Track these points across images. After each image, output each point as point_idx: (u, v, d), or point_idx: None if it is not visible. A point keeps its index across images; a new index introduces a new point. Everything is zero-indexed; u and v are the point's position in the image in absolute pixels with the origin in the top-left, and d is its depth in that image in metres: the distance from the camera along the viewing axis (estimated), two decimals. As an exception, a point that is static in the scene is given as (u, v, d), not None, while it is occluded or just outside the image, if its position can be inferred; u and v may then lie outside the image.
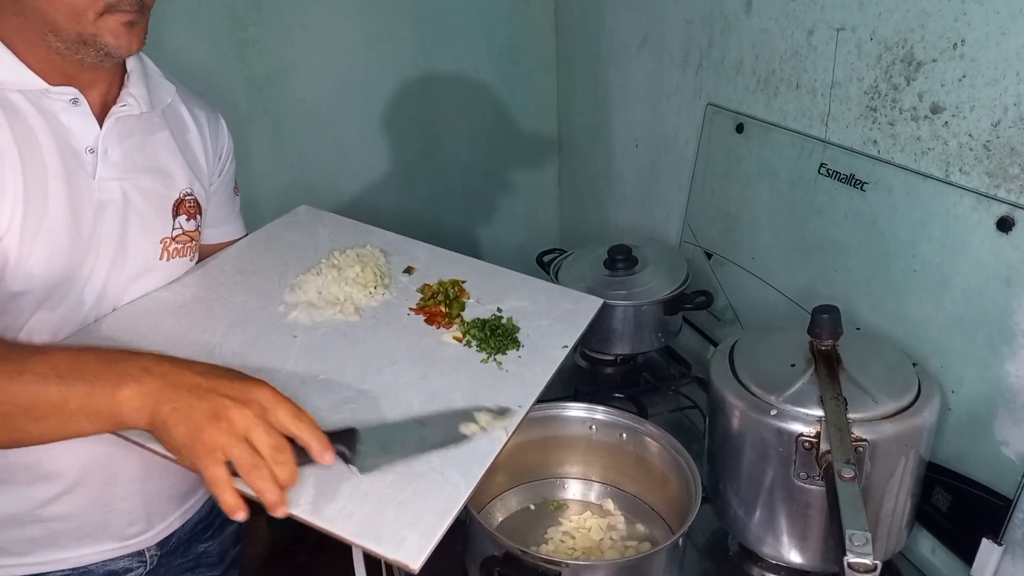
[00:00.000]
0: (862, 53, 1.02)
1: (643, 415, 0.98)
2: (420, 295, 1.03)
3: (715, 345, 1.23)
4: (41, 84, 0.83)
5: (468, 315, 0.99)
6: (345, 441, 0.72)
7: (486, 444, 0.78)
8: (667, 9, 1.47)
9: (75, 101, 0.86)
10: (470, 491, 0.72)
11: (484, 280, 1.06)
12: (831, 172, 1.08)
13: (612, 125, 1.80)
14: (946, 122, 0.91)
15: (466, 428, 0.80)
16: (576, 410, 0.98)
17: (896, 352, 0.91)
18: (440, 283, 1.04)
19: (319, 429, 0.69)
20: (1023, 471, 0.85)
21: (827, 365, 0.84)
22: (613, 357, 1.38)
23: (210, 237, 1.08)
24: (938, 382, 0.89)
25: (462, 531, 0.88)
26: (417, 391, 0.84)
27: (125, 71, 0.93)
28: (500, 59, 2.03)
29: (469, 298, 1.03)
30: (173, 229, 0.97)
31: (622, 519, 0.98)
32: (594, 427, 0.98)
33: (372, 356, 0.90)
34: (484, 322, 0.96)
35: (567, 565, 0.74)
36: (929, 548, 0.96)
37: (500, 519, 0.98)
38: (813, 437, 0.79)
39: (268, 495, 0.65)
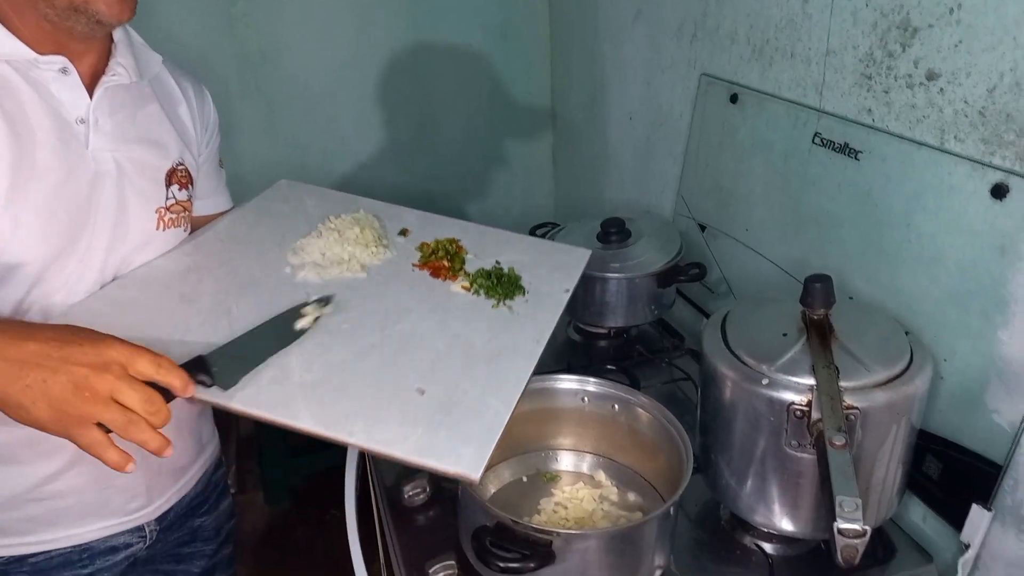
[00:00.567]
0: (857, 20, 1.01)
1: (635, 387, 0.98)
2: (420, 253, 1.05)
3: (708, 317, 1.23)
4: (30, 54, 0.82)
5: (469, 268, 1.02)
6: (199, 369, 0.75)
7: (518, 368, 0.82)
8: (661, -21, 1.45)
9: (64, 71, 0.85)
10: (510, 411, 0.76)
11: (477, 238, 1.10)
12: (825, 141, 1.08)
13: (607, 99, 1.78)
14: (941, 89, 0.90)
15: (300, 323, 0.86)
16: (568, 382, 0.98)
17: (889, 321, 0.91)
18: (437, 241, 1.07)
19: (178, 368, 0.71)
20: (1014, 438, 0.85)
21: (819, 334, 0.84)
22: (606, 330, 1.38)
23: (199, 209, 1.08)
24: (931, 351, 0.89)
25: (454, 504, 0.89)
26: (439, 334, 0.88)
27: (112, 42, 0.92)
28: (494, 34, 2.02)
29: (467, 254, 1.06)
30: (167, 199, 0.97)
31: (614, 490, 0.98)
32: (586, 399, 0.98)
33: (388, 307, 0.93)
34: (488, 272, 1.00)
35: (558, 535, 0.74)
36: (920, 515, 0.97)
37: (492, 491, 0.98)
38: (804, 406, 0.79)
39: (151, 444, 0.68)
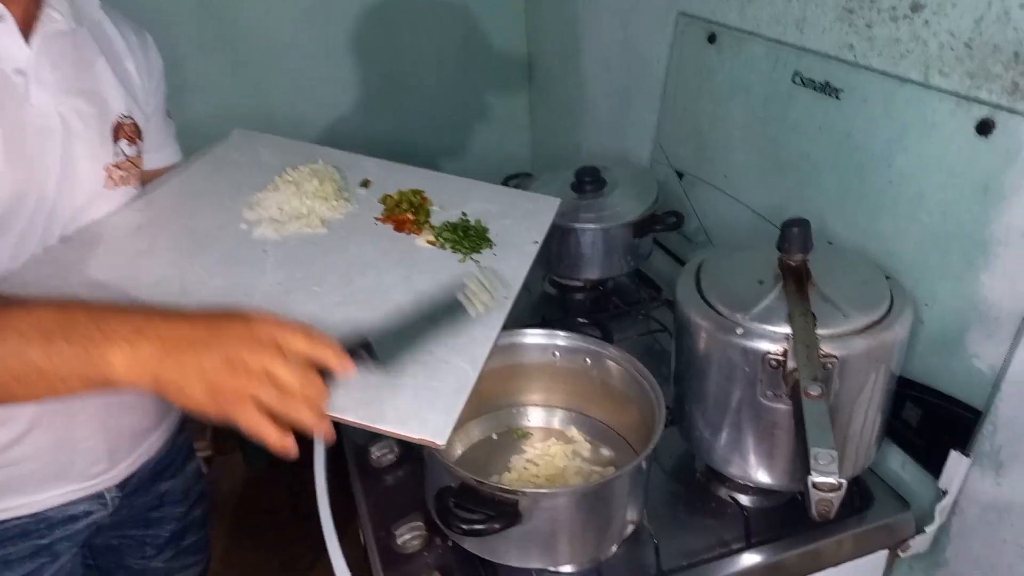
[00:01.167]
0: (839, -51, 0.95)
1: (608, 340, 0.95)
2: (383, 205, 1.02)
3: (685, 267, 1.20)
4: None
5: (434, 221, 0.99)
6: (361, 347, 0.72)
7: (482, 329, 0.79)
8: (636, -88, 1.38)
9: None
10: (478, 372, 0.74)
11: (441, 188, 1.06)
12: (805, 80, 1.03)
13: (581, 44, 1.72)
14: (926, 20, 0.85)
15: (462, 296, 0.81)
16: (538, 337, 0.94)
17: (869, 265, 0.88)
18: (401, 192, 1.04)
19: (335, 343, 0.68)
20: (994, 382, 0.83)
21: (796, 281, 0.81)
22: (582, 283, 1.35)
23: (146, 163, 1.02)
24: (911, 295, 0.86)
25: (423, 464, 0.86)
26: (404, 291, 0.85)
27: None
28: (466, -23, 1.93)
29: (432, 205, 1.03)
30: (115, 155, 0.92)
31: (587, 445, 0.95)
32: (557, 353, 0.95)
33: (350, 263, 0.89)
34: (454, 225, 0.97)
35: (524, 494, 0.71)
36: (898, 462, 0.95)
37: (461, 451, 0.96)
38: (780, 355, 0.76)
39: (309, 423, 0.66)
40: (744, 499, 0.92)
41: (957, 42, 0.82)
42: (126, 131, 0.94)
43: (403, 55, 1.96)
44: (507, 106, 2.12)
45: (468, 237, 0.95)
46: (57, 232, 0.87)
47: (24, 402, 0.70)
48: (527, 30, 2.03)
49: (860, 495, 0.91)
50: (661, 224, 1.27)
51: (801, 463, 0.63)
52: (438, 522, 0.71)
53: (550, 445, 0.95)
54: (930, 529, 0.88)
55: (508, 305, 0.85)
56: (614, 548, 0.82)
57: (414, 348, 0.75)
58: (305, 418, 0.66)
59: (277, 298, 0.82)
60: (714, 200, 1.29)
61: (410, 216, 1.00)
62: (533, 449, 0.95)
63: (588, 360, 0.94)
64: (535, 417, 1.00)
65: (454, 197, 1.05)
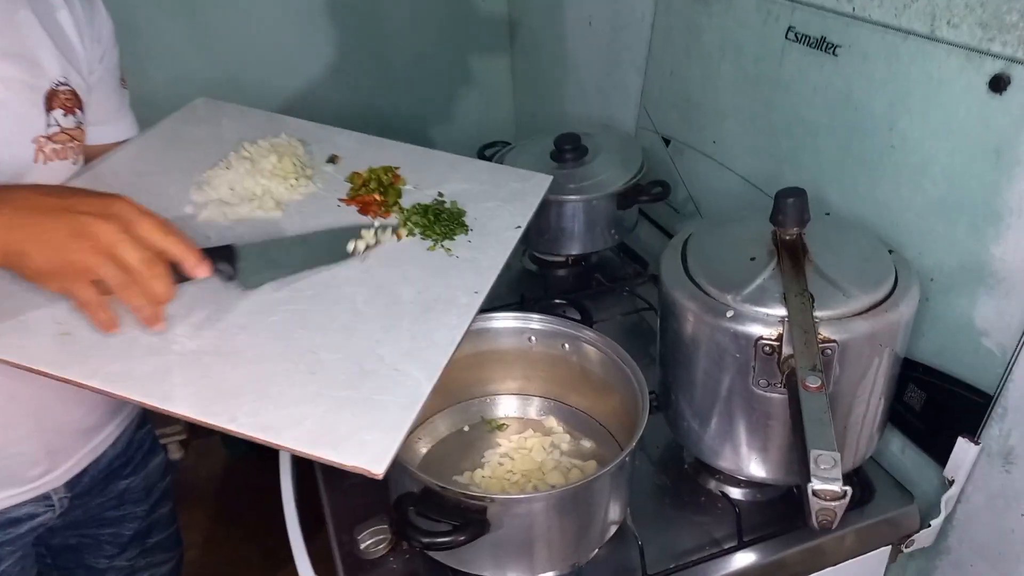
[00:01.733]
0: None
1: (587, 321, 0.87)
2: (350, 184, 0.93)
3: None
4: None
5: (406, 202, 0.91)
6: (223, 257, 0.69)
7: (444, 332, 0.73)
8: None
9: None
10: (433, 383, 0.67)
11: (419, 165, 0.98)
12: (800, 36, 0.95)
13: (563, 2, 1.62)
14: (933, -35, 0.77)
15: (353, 244, 0.80)
16: (510, 320, 0.87)
17: (870, 239, 0.80)
18: (371, 170, 0.95)
19: (190, 241, 0.66)
20: (1005, 364, 0.77)
21: (792, 257, 0.73)
22: (564, 258, 1.27)
23: (96, 137, 0.94)
24: (916, 271, 0.79)
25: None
26: (360, 285, 0.78)
27: None
28: (444, -63, 1.83)
29: (405, 184, 0.94)
30: (48, 126, 0.83)
31: (566, 436, 0.89)
32: (533, 338, 0.87)
33: None
34: (426, 207, 0.89)
35: (493, 500, 0.65)
36: (900, 450, 0.89)
37: (426, 449, 0.88)
38: (774, 340, 0.69)
39: (144, 311, 0.65)
40: (735, 493, 0.85)
41: (968, -12, 0.74)
42: (61, 99, 0.84)
43: (381, 19, 1.86)
44: (489, 71, 2.03)
45: (440, 222, 0.87)
46: None
47: None
48: (509, -13, 1.93)
49: (860, 486, 0.85)
50: (647, 194, 1.20)
51: (799, 466, 0.57)
52: (397, 534, 0.65)
53: (527, 437, 0.88)
54: (936, 522, 0.82)
55: (477, 304, 0.77)
56: (595, 551, 0.76)
57: (282, 274, 0.72)
58: (142, 305, 0.64)
59: (212, 293, 0.74)
60: (703, 168, 1.21)
61: (377, 197, 0.91)
62: (508, 442, 0.88)
63: (566, 345, 0.86)
64: (510, 407, 0.93)
65: (433, 175, 0.96)
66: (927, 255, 0.83)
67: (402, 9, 1.86)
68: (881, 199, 0.88)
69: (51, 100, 0.83)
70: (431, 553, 0.73)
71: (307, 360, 0.69)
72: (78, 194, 0.66)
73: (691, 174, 1.25)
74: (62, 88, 0.84)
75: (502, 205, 0.92)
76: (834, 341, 0.68)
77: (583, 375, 0.87)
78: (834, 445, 0.55)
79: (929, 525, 0.82)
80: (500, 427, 0.91)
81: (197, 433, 2.11)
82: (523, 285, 1.24)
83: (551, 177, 0.99)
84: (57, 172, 0.86)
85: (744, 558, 0.79)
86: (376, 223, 0.84)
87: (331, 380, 0.67)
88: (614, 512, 0.75)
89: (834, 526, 0.53)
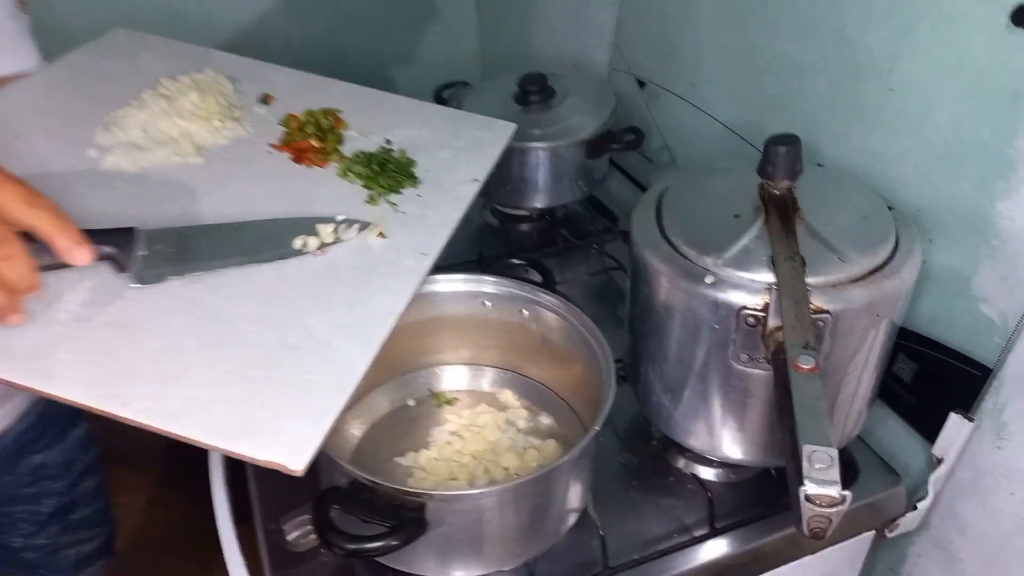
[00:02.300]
0: None
1: (549, 283, 0.78)
2: (284, 128, 0.83)
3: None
4: None
5: (348, 150, 0.82)
6: (114, 241, 0.56)
7: (391, 294, 0.64)
8: None
9: None
10: (369, 361, 0.59)
11: (365, 108, 0.88)
12: (792, -37, 0.84)
13: (532, -72, 1.50)
14: None
15: (301, 242, 0.67)
16: (460, 283, 0.77)
17: (868, 194, 0.71)
18: (309, 112, 0.85)
19: (65, 218, 0.53)
20: (1007, 334, 0.69)
21: (781, 215, 0.64)
22: (527, 212, 1.17)
23: None
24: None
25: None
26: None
27: None
28: None
29: (348, 129, 0.85)
30: None
31: (523, 412, 0.80)
32: (488, 303, 0.78)
33: (224, 207, 0.71)
34: (370, 156, 0.79)
35: (431, 496, 0.55)
36: (887, 426, 0.82)
37: (362, 430, 0.78)
38: (760, 310, 0.60)
39: None
40: (707, 473, 0.78)
41: (992, -100, 0.64)
42: None
43: (334, -55, 1.71)
44: (453, 5, 1.89)
45: (386, 172, 0.77)
46: None
47: None
48: (472, -86, 1.79)
49: (844, 467, 0.77)
50: (619, 142, 1.09)
51: (789, 462, 0.48)
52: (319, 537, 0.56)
53: (479, 413, 0.79)
54: (923, 505, 0.75)
55: (424, 268, 0.68)
56: (551, 544, 0.67)
57: (193, 269, 0.61)
58: None
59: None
60: (680, 114, 1.11)
61: (314, 143, 0.81)
62: (459, 418, 0.79)
63: (524, 311, 0.77)
64: (460, 379, 0.84)
65: (381, 119, 0.86)
66: (926, 212, 0.75)
67: (356, -69, 1.72)
68: (876, 149, 0.80)
69: None
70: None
71: (220, 333, 0.59)
72: None
73: (667, 120, 1.15)
74: None
75: (458, 155, 0.82)
76: (827, 312, 0.59)
77: (543, 344, 0.77)
78: (830, 439, 0.47)
79: (916, 507, 0.75)
80: (449, 402, 0.82)
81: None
82: (482, 242, 1.14)
83: (514, 125, 0.89)
84: None
85: (716, 547, 0.72)
86: (340, 218, 0.71)
87: (247, 357, 0.58)
88: (574, 500, 0.67)
89: (828, 535, 0.45)
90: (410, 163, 0.80)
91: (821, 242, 0.63)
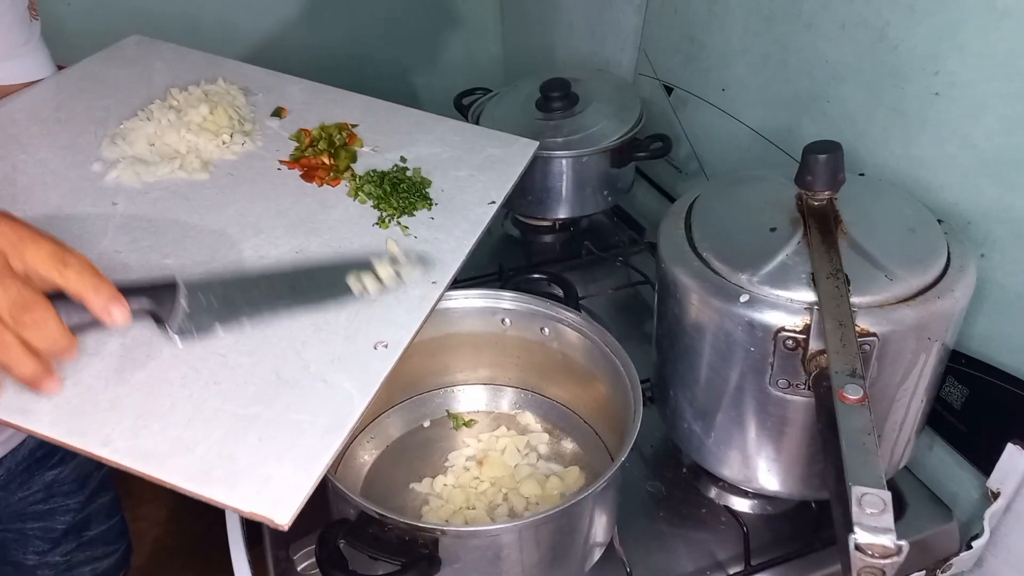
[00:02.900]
0: None
1: (571, 299, 0.74)
2: (296, 144, 0.81)
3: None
4: None
5: (361, 167, 0.78)
6: (154, 295, 0.51)
7: (396, 326, 0.60)
8: None
9: None
10: (367, 401, 0.54)
11: (382, 122, 0.85)
12: (828, -40, 0.80)
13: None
14: None
15: (357, 282, 0.61)
16: (477, 299, 0.73)
17: (915, 205, 0.66)
18: (322, 127, 0.83)
19: (98, 274, 0.49)
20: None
21: (822, 228, 0.59)
22: (550, 223, 1.13)
23: None
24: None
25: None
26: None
27: None
28: None
29: (362, 146, 0.82)
30: None
31: (544, 436, 0.75)
32: (507, 320, 0.74)
33: (227, 226, 0.68)
34: (383, 174, 0.76)
35: (444, 532, 0.52)
36: (937, 455, 0.76)
37: (373, 456, 0.74)
38: (799, 332, 0.56)
39: (19, 368, 0.48)
40: (741, 504, 0.73)
41: None
42: None
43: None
44: (476, 11, 1.86)
45: (398, 192, 0.74)
46: None
47: None
48: (496, -81, 1.76)
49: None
50: (645, 150, 1.05)
51: (836, 505, 0.44)
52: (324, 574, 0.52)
53: (498, 437, 0.75)
54: (978, 544, 0.69)
55: (433, 297, 0.64)
56: (575, 581, 0.63)
57: (240, 317, 0.55)
58: (14, 361, 0.47)
59: (108, 273, 0.61)
60: (710, 120, 1.06)
61: (325, 160, 0.78)
62: (477, 442, 0.75)
63: (545, 329, 0.73)
64: (478, 400, 0.80)
65: (397, 135, 0.83)
66: (976, 224, 0.70)
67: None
68: (919, 156, 0.75)
69: None
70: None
71: (210, 365, 0.56)
72: None
73: (696, 127, 1.11)
74: None
75: (475, 175, 0.79)
76: (874, 335, 0.55)
77: (564, 364, 0.73)
78: (882, 480, 0.42)
79: (970, 546, 0.70)
80: (467, 424, 0.78)
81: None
82: (502, 254, 1.10)
83: (536, 143, 0.85)
84: None
85: (752, 585, 0.67)
86: (397, 251, 0.66)
87: (237, 392, 0.54)
88: (599, 534, 0.63)
89: (882, 590, 0.41)
90: (424, 183, 0.77)
91: (866, 258, 0.58)
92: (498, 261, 1.05)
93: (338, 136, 0.82)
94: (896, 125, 0.78)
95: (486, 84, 1.33)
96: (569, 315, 0.71)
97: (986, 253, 0.70)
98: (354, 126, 0.84)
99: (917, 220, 0.64)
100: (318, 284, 0.60)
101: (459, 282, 0.69)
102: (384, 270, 0.62)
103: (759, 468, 0.66)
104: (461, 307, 0.73)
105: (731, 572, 0.67)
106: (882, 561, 0.39)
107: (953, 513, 0.73)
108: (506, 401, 0.80)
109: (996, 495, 0.69)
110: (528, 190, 1.06)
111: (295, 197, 0.74)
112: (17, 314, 0.47)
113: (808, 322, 0.56)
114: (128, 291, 0.49)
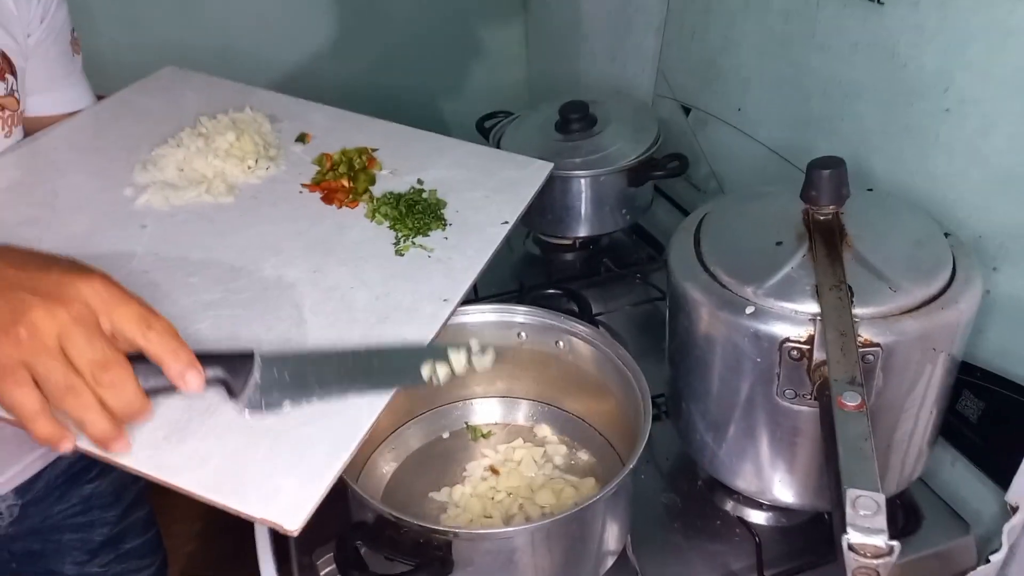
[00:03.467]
0: None
1: (586, 314, 0.76)
2: (317, 168, 0.83)
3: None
4: None
5: (379, 190, 0.81)
6: (229, 365, 0.52)
7: (407, 342, 0.62)
8: None
9: None
10: (376, 414, 0.56)
11: (401, 146, 0.87)
12: (839, -17, 0.81)
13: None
14: None
15: (429, 370, 0.59)
16: (492, 313, 0.75)
17: (921, 219, 0.67)
18: (343, 151, 0.85)
19: (179, 340, 0.51)
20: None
21: (826, 241, 0.61)
22: (570, 241, 1.15)
23: (39, 107, 0.85)
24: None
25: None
26: (309, 287, 0.67)
27: None
28: None
29: (381, 169, 0.84)
30: None
31: (561, 447, 0.77)
32: (523, 334, 0.76)
33: (248, 246, 0.71)
34: (399, 196, 0.78)
35: (457, 535, 0.54)
36: (953, 469, 0.76)
37: (392, 466, 0.77)
38: (804, 343, 0.57)
39: (92, 426, 0.49)
40: (755, 516, 0.74)
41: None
42: None
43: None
44: (501, 38, 1.90)
45: (413, 214, 0.76)
46: None
47: None
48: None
49: (905, 513, 0.73)
50: (663, 169, 1.07)
51: (832, 507, 0.45)
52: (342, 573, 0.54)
53: (515, 448, 0.77)
54: (996, 558, 0.69)
55: (444, 314, 0.65)
56: (588, 589, 0.64)
57: (310, 396, 0.55)
58: (89, 419, 0.48)
59: (135, 291, 0.64)
60: (727, 139, 1.08)
61: (344, 183, 0.81)
62: (495, 453, 0.77)
63: (560, 342, 0.75)
64: (495, 412, 0.82)
65: (415, 159, 0.85)
66: (988, 238, 0.70)
67: (407, -28, 1.75)
68: (932, 172, 0.76)
69: None
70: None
71: None
72: (45, 267, 0.51)
73: (713, 146, 1.12)
74: None
75: (490, 196, 0.80)
76: (877, 345, 0.55)
77: (579, 377, 0.75)
78: (877, 483, 0.43)
79: (988, 560, 0.69)
80: (485, 435, 0.80)
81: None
82: (523, 271, 1.12)
83: (551, 164, 0.87)
84: None
85: (765, 596, 0.67)
86: (474, 344, 0.62)
87: (256, 415, 0.55)
88: (611, 541, 0.64)
89: (877, 590, 0.42)
90: (439, 204, 0.79)
91: (870, 270, 0.59)
92: (519, 279, 1.07)
93: (358, 160, 0.84)
94: (908, 142, 0.79)
95: (510, 107, 1.36)
96: (582, 329, 0.72)
97: (998, 267, 0.70)
98: (374, 150, 0.86)
99: (923, 233, 0.65)
100: (392, 368, 0.60)
101: (481, 299, 0.71)
102: (458, 360, 0.61)
103: (772, 480, 0.67)
104: (478, 321, 0.75)
105: (744, 583, 0.68)
106: (875, 561, 0.40)
107: (971, 527, 0.73)
108: (522, 414, 0.81)
109: (1015, 509, 0.69)
110: (548, 209, 1.08)
111: (314, 219, 0.76)
112: (98, 373, 0.48)
113: (812, 333, 0.57)
114: (205, 358, 0.51)
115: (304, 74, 1.74)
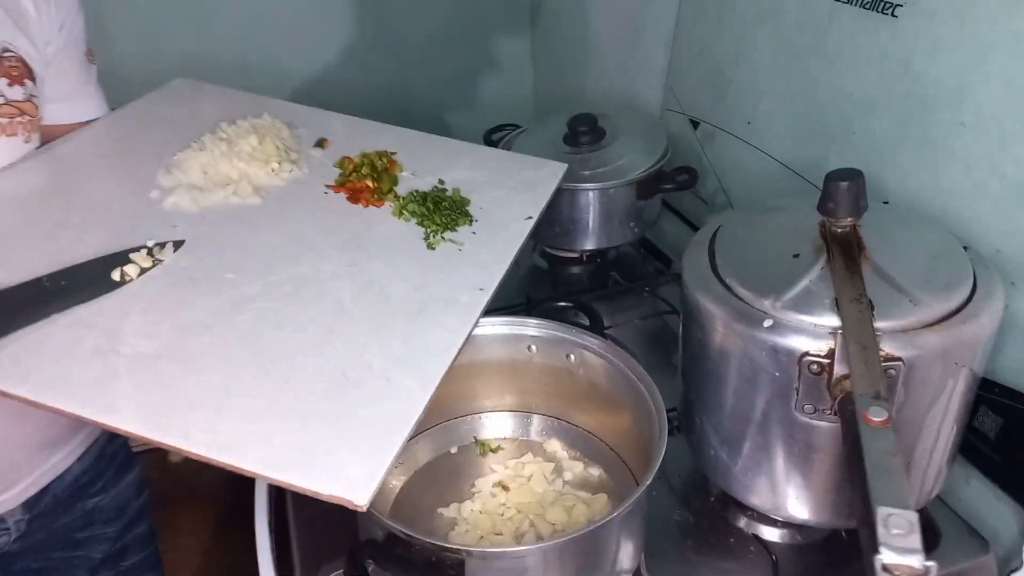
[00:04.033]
0: None
1: (596, 327, 0.75)
2: (339, 170, 0.84)
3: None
4: None
5: (402, 190, 0.82)
6: None
7: (449, 329, 0.64)
8: None
9: None
10: (429, 395, 0.58)
11: (418, 151, 0.89)
12: (852, -5, 0.81)
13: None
14: None
15: (119, 271, 0.66)
16: (503, 326, 0.74)
17: (940, 232, 0.66)
18: (364, 155, 0.86)
19: None
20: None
21: (845, 254, 0.60)
22: (577, 254, 1.14)
23: (57, 115, 0.85)
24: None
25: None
26: (347, 281, 0.69)
27: None
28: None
29: (402, 171, 0.85)
30: None
31: (571, 463, 0.76)
32: (534, 347, 0.75)
33: (281, 244, 0.73)
34: (425, 194, 0.80)
35: (471, 553, 0.52)
36: (971, 486, 0.75)
37: (405, 477, 0.76)
38: (824, 357, 0.56)
39: None
40: (770, 534, 0.72)
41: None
42: (6, 67, 0.76)
43: (396, -1, 1.74)
44: (509, 52, 1.92)
45: (440, 210, 0.77)
46: None
47: None
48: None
49: (924, 531, 0.71)
50: (671, 182, 1.07)
51: (861, 526, 0.44)
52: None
53: (525, 463, 0.75)
54: (1018, 577, 0.68)
55: (482, 303, 0.68)
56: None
57: (24, 326, 0.58)
58: None
59: (176, 287, 0.66)
60: (736, 153, 1.07)
61: (369, 183, 0.82)
62: (504, 468, 0.75)
63: (571, 356, 0.74)
64: (505, 426, 0.81)
65: (433, 162, 0.87)
66: (1007, 253, 0.69)
67: (414, -14, 1.76)
68: (948, 186, 0.75)
69: None
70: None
71: (280, 367, 0.59)
72: None
73: (722, 160, 1.12)
74: (7, 55, 0.75)
75: (510, 195, 0.82)
76: (899, 359, 0.54)
77: (591, 391, 0.74)
78: (908, 501, 0.42)
79: (1009, 579, 0.68)
80: (494, 450, 0.78)
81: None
82: (531, 285, 1.11)
83: (565, 165, 0.88)
84: (5, 150, 0.77)
85: (781, 617, 0.66)
86: (168, 238, 0.70)
87: (307, 390, 0.58)
88: (624, 560, 0.63)
89: (909, 614, 0.40)
90: (464, 201, 0.80)
91: (890, 283, 0.58)
92: (526, 292, 1.06)
93: (379, 162, 0.85)
94: (924, 155, 0.78)
95: (517, 120, 1.36)
96: (594, 342, 0.72)
97: (1016, 282, 0.69)
98: (393, 153, 0.87)
99: (943, 247, 0.64)
100: (84, 282, 0.64)
101: (487, 311, 0.71)
102: (142, 259, 0.67)
103: (787, 496, 0.65)
104: (488, 334, 0.74)
105: (760, 603, 0.67)
106: (907, 582, 0.39)
107: (990, 546, 0.72)
108: (533, 428, 0.80)
109: (1035, 528, 0.68)
110: (556, 222, 1.08)
111: (342, 217, 0.78)
112: None
113: (833, 347, 0.56)
114: None
115: (314, 88, 1.76)
